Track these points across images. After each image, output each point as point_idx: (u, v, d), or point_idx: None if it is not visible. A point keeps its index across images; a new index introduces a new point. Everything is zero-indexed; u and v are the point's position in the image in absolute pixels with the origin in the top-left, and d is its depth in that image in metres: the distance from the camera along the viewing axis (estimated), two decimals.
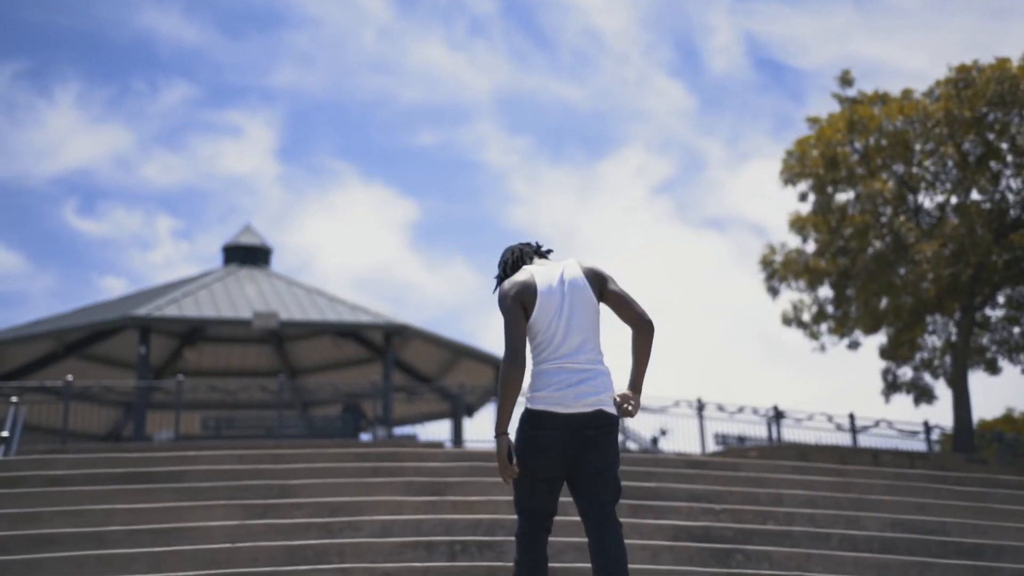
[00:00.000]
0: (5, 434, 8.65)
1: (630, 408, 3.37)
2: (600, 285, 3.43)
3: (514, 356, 3.28)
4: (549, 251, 3.67)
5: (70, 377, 13.69)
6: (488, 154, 55.07)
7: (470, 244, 56.39)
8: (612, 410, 3.32)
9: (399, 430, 19.65)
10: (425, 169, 54.16)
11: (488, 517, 5.24)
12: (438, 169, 54.59)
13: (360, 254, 52.90)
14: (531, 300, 3.35)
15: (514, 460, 3.29)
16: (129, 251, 55.27)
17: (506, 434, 3.28)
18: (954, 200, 13.39)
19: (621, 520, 5.18)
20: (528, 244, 3.67)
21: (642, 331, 3.38)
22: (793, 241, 14.44)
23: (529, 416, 3.30)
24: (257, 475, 6.14)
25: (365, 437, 16.24)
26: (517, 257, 3.59)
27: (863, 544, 5.20)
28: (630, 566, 4.46)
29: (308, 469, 6.30)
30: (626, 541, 4.90)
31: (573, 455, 3.29)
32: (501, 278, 3.60)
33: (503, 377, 3.27)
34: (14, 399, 10.00)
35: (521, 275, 3.44)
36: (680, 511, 5.55)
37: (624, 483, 6.09)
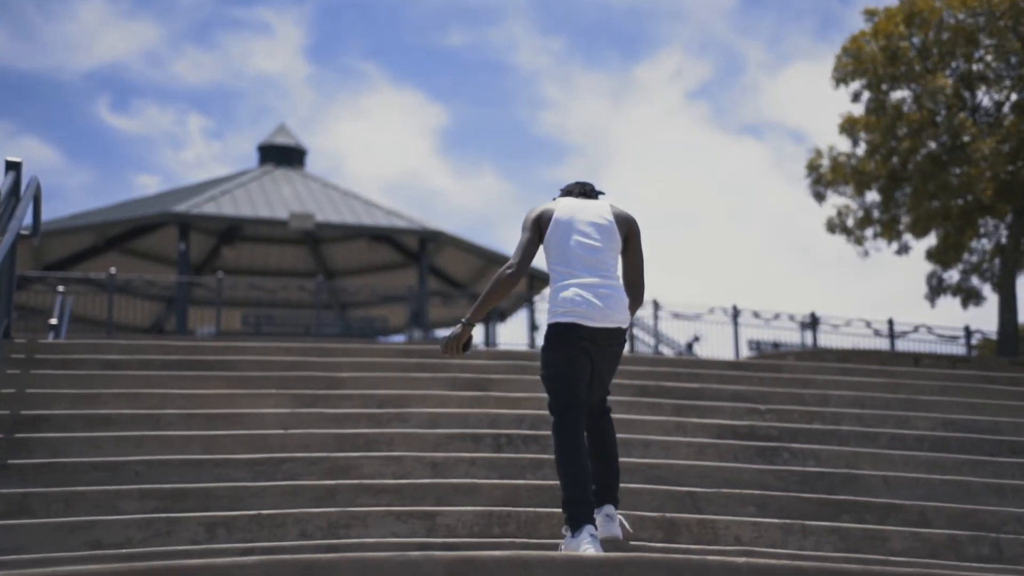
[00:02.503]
0: (54, 321, 8.86)
1: None
2: (627, 231, 3.73)
3: (516, 269, 3.61)
4: (600, 192, 3.92)
5: (113, 270, 13.92)
6: (519, 56, 53.98)
7: (499, 151, 55.84)
8: (627, 326, 3.65)
9: (433, 334, 19.85)
10: (454, 72, 53.28)
11: (532, 413, 5.31)
12: (468, 72, 53.69)
13: (389, 160, 52.68)
14: (546, 223, 3.68)
15: (468, 349, 3.65)
16: (161, 149, 55.47)
17: (472, 326, 3.63)
18: (1014, 97, 12.90)
19: (665, 418, 5.31)
20: (581, 183, 3.92)
21: (635, 298, 3.73)
22: (842, 144, 14.02)
23: (561, 328, 3.57)
24: (305, 367, 6.24)
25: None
26: (568, 191, 3.91)
27: (913, 443, 5.21)
28: (676, 462, 4.63)
29: (354, 363, 6.38)
30: (670, 439, 5.02)
31: (592, 362, 3.59)
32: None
33: (497, 281, 3.60)
34: (61, 288, 10.21)
35: (548, 203, 3.78)
36: (724, 411, 5.58)
37: (667, 384, 6.20)
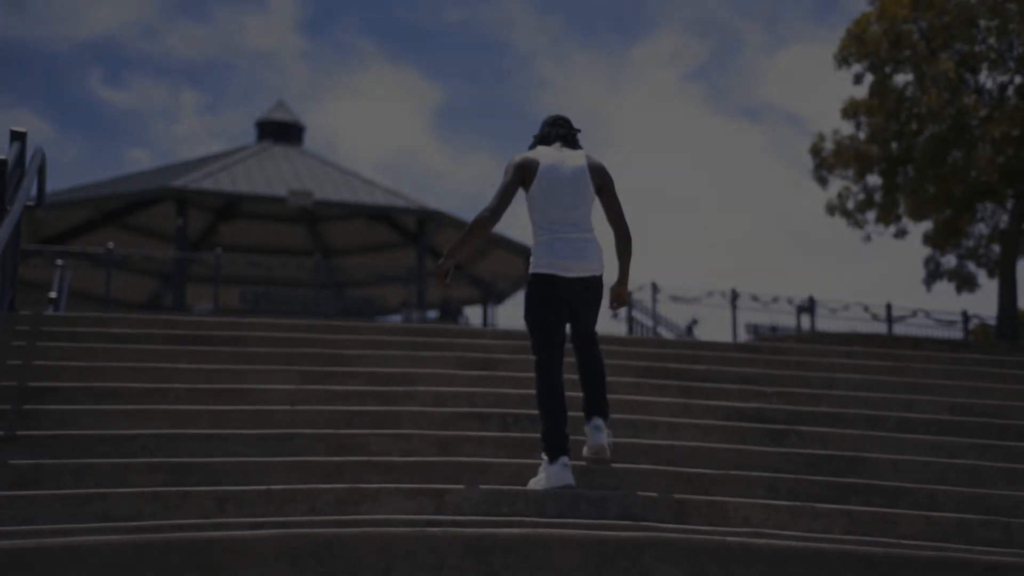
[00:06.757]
0: (53, 295, 8.81)
1: (614, 305, 4.24)
2: (600, 180, 4.06)
3: (492, 214, 3.94)
4: (577, 131, 4.22)
5: (111, 244, 13.85)
6: (515, 35, 53.69)
7: (495, 131, 55.61)
8: (600, 273, 4.04)
9: (431, 314, 19.84)
10: (450, 50, 52.95)
11: None
12: (463, 50, 53.35)
13: (385, 139, 52.45)
14: (531, 176, 3.97)
15: (447, 278, 4.03)
16: (155, 123, 55.10)
17: (454, 258, 3.98)
18: (1017, 80, 12.88)
19: (672, 400, 5.32)
20: (561, 123, 4.17)
21: (623, 239, 4.11)
22: (845, 128, 14.03)
23: (539, 279, 3.97)
24: (310, 344, 6.22)
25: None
26: (546, 134, 4.16)
27: (920, 426, 5.23)
28: (683, 444, 4.64)
29: (359, 341, 6.37)
30: (677, 420, 5.01)
31: (571, 308, 4.01)
32: (532, 145, 4.22)
33: (477, 222, 3.94)
34: (60, 262, 10.14)
35: (531, 153, 4.05)
36: (731, 393, 5.58)
37: (672, 366, 6.20)
